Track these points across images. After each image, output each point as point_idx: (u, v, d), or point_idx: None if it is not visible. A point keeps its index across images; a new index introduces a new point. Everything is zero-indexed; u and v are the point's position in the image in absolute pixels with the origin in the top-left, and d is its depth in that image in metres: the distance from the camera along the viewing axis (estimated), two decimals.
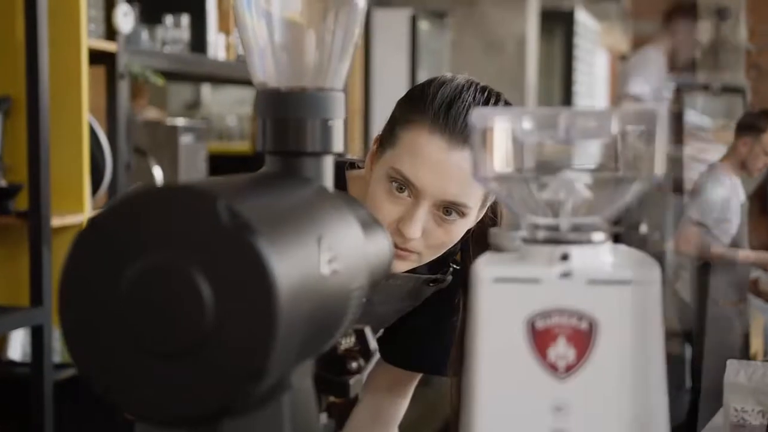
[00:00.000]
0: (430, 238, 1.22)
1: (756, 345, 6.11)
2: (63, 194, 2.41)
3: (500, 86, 1.31)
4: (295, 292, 0.61)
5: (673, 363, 4.06)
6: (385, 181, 1.21)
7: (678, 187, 4.23)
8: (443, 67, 5.01)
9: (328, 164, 0.80)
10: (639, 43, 9.90)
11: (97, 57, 2.55)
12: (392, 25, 4.86)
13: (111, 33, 2.57)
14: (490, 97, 1.22)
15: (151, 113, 3.81)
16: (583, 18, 7.39)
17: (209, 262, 0.59)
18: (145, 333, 0.60)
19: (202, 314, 0.59)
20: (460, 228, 1.23)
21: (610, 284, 0.65)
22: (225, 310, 0.59)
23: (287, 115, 0.78)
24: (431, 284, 1.39)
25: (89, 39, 2.47)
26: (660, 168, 0.68)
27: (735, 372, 1.97)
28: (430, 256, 1.26)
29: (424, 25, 4.95)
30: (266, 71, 0.80)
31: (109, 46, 2.57)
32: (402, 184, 1.20)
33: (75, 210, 2.44)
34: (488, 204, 1.29)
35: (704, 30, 4.44)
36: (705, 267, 4.19)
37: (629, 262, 0.69)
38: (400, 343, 1.46)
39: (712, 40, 9.24)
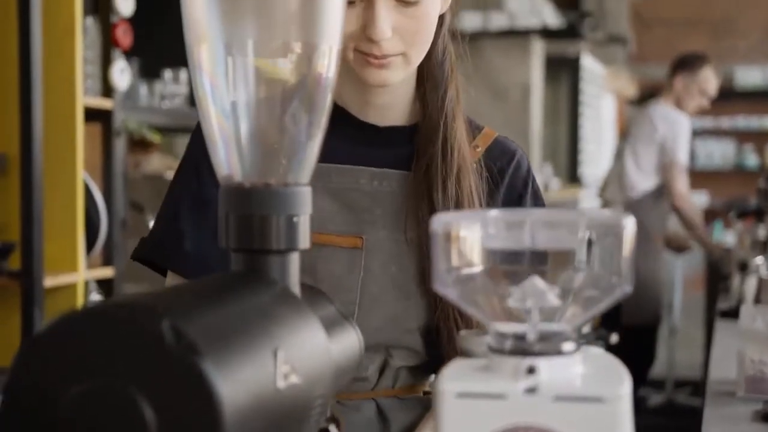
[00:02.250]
0: (403, 33, 1.15)
1: None
2: (57, 253, 2.39)
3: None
4: (246, 414, 0.58)
5: None
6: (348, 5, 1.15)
7: None
8: None
9: (294, 261, 0.77)
10: (645, 86, 9.94)
11: (93, 114, 2.54)
12: None
13: (108, 89, 2.57)
14: None
15: (156, 161, 3.79)
16: (588, 63, 7.39)
17: (153, 385, 0.56)
18: None
19: None
20: (429, 9, 1.17)
21: (579, 401, 0.62)
22: None
23: (251, 212, 0.75)
24: None
25: (86, 96, 2.46)
26: (630, 277, 0.65)
27: (751, 318, 1.78)
28: (417, 54, 1.18)
29: None
30: (230, 165, 0.78)
31: (105, 104, 2.56)
32: None
33: (69, 269, 2.41)
34: None
35: (709, 79, 4.42)
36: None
37: (600, 372, 0.66)
38: None
39: None
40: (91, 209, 2.48)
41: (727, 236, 8.54)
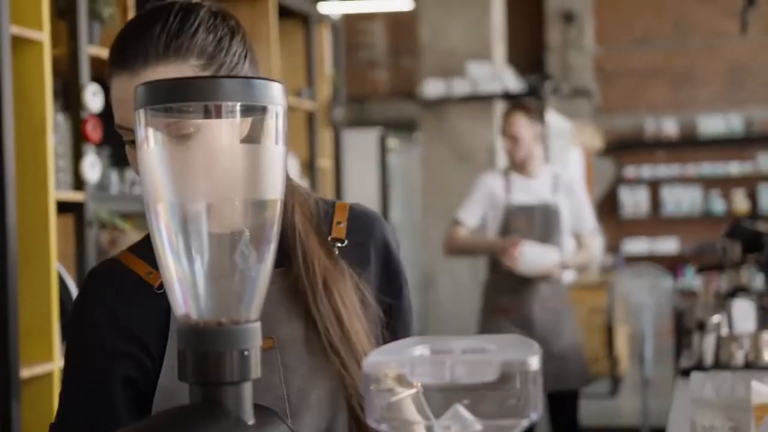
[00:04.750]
0: None
1: (621, 353, 5.90)
2: (32, 344, 2.46)
3: None
4: None
5: None
6: (126, 145, 1.21)
7: None
8: (414, 181, 5.12)
9: (247, 390, 0.86)
10: (612, 138, 10.14)
11: (65, 206, 2.62)
12: (362, 144, 5.01)
13: (79, 182, 2.65)
14: (159, 12, 1.20)
15: (134, 238, 3.86)
16: (553, 120, 7.55)
17: None
18: None
19: None
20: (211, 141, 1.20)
21: None
22: None
23: (206, 349, 0.84)
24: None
25: (58, 190, 2.55)
26: (539, 408, 0.75)
27: (701, 385, 1.84)
28: None
29: (392, 143, 5.08)
30: (187, 305, 0.87)
31: (76, 196, 2.64)
32: (127, 135, 1.18)
33: (44, 359, 2.48)
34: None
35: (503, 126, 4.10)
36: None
37: None
38: None
39: (560, 44, 9.39)
40: (65, 299, 2.56)
41: (696, 282, 8.65)
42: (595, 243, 4.08)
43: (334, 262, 1.28)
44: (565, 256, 4.02)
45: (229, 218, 0.86)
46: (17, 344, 2.36)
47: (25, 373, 2.40)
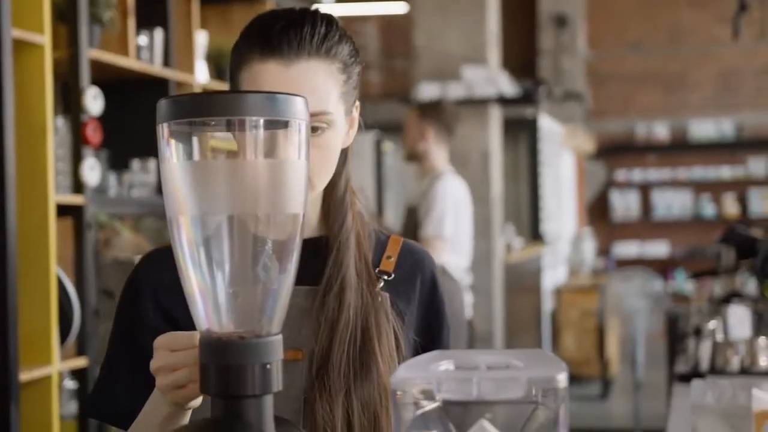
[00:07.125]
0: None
1: (612, 356, 5.84)
2: (31, 347, 2.45)
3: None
4: None
5: None
6: None
7: None
8: (409, 185, 5.11)
9: (269, 403, 0.86)
10: (603, 141, 10.17)
11: (64, 209, 2.62)
12: (357, 147, 4.98)
13: (78, 186, 2.65)
14: (305, 13, 1.22)
15: (126, 239, 3.84)
16: (546, 123, 7.57)
17: None
18: None
19: None
20: (333, 140, 1.22)
21: None
22: None
23: (228, 362, 0.84)
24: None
25: (57, 193, 2.54)
26: (567, 424, 0.75)
27: (702, 392, 1.85)
28: (321, 181, 1.23)
29: (388, 147, 5.07)
30: (209, 319, 0.87)
31: (76, 200, 2.64)
32: None
33: (43, 362, 2.47)
34: (354, 108, 1.28)
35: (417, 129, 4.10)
36: None
37: None
38: None
39: (553, 48, 9.40)
40: (64, 302, 2.55)
41: (687, 286, 8.65)
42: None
43: (374, 295, 1.26)
44: None
45: (251, 231, 0.86)
46: (16, 347, 2.35)
47: (24, 376, 2.39)
